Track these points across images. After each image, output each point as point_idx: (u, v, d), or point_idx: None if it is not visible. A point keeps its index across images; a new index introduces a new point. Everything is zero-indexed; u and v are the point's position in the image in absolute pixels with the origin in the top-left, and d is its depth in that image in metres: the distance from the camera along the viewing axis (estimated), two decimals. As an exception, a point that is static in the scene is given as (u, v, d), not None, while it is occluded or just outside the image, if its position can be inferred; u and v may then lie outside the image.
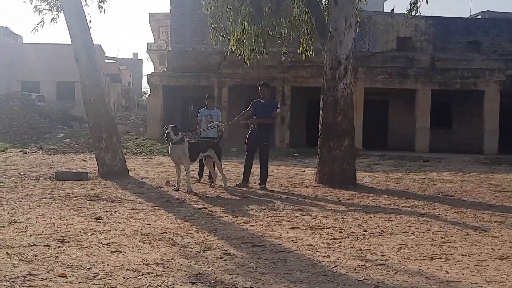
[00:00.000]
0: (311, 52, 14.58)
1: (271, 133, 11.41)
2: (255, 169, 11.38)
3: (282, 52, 15.58)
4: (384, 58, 27.47)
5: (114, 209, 7.88)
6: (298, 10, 13.76)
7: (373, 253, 5.37)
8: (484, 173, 15.52)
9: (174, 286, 4.14)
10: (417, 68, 26.44)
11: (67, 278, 4.29)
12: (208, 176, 11.53)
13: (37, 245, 5.36)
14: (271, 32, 14.17)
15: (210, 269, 4.63)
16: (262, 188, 10.82)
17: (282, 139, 25.59)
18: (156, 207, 8.12)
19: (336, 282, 4.35)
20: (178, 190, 10.11)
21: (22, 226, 6.38)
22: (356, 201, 9.32)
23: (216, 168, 11.11)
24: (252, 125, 11.10)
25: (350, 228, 6.71)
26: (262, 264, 4.84)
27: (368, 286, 4.27)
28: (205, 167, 11.55)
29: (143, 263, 4.76)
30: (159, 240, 5.71)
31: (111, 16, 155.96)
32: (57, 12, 13.42)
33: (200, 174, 11.79)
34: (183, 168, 10.34)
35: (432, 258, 5.23)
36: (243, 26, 13.34)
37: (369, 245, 5.73)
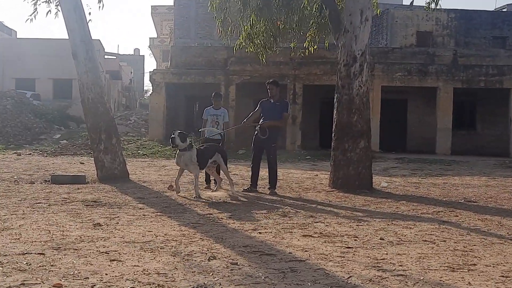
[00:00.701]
0: (315, 48, 14.56)
1: (279, 134, 11.40)
2: (264, 172, 11.38)
3: (292, 47, 15.59)
4: (402, 54, 27.44)
5: (113, 215, 7.89)
6: (306, 1, 13.74)
7: (391, 263, 5.35)
8: (511, 178, 15.44)
9: (177, 298, 4.15)
10: (438, 64, 26.39)
11: (63, 288, 4.30)
12: (214, 180, 11.54)
13: (31, 253, 5.38)
14: (281, 26, 14.18)
15: (216, 279, 4.63)
16: (272, 193, 10.82)
17: (293, 140, 25.60)
18: (158, 213, 8.14)
19: (351, 294, 4.34)
20: (178, 193, 10.14)
21: (15, 232, 6.40)
22: (372, 207, 9.30)
23: (221, 172, 11.14)
24: (258, 127, 11.08)
25: (366, 236, 6.70)
26: (271, 274, 4.84)
27: (384, 299, 4.25)
28: None
29: (144, 273, 4.76)
30: (161, 248, 5.72)
31: (111, 9, 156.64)
32: (56, 6, 13.43)
33: (207, 180, 11.78)
34: (186, 172, 10.36)
35: (453, 268, 5.21)
36: (252, 19, 13.36)
37: (386, 254, 5.72)
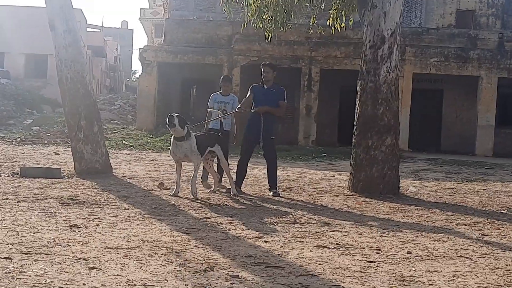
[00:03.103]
0: (341, 26, 14.52)
1: (275, 124, 11.40)
2: (253, 171, 11.40)
3: (310, 24, 15.54)
4: (439, 36, 27.35)
5: (93, 215, 7.92)
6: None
7: (419, 281, 5.35)
8: None
9: (167, 314, 4.16)
10: (481, 50, 26.31)
11: (32, 299, 4.32)
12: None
13: (-4, 257, 5.41)
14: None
15: (212, 294, 4.64)
16: (275, 195, 10.88)
17: (307, 135, 25.60)
18: (146, 215, 8.16)
19: (371, 316, 4.35)
20: (177, 196, 10.13)
21: (-22, 232, 6.44)
22: (398, 216, 9.30)
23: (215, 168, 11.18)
24: (252, 111, 11.10)
25: (391, 248, 6.70)
26: (278, 290, 4.85)
27: (411, 323, 4.26)
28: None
29: (128, 284, 4.77)
30: (149, 256, 5.73)
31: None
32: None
33: (205, 177, 11.76)
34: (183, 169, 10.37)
35: (494, 290, 5.21)
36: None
37: (414, 270, 5.72)
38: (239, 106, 11.36)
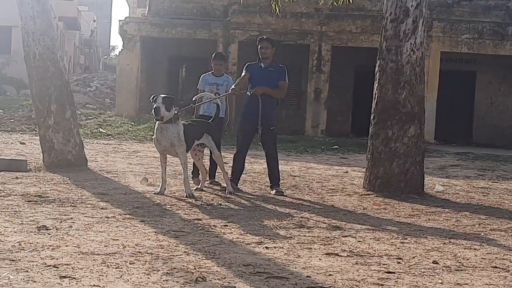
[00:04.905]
0: None
1: (275, 110, 11.38)
2: (252, 165, 11.41)
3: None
4: (472, 9, 27.28)
5: (65, 215, 7.92)
6: None
7: (447, 295, 5.37)
8: None
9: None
10: (522, 25, 26.28)
11: (-6, 312, 4.34)
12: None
13: (-49, 263, 5.42)
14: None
15: (205, 308, 4.66)
16: (278, 193, 10.89)
17: (316, 123, 25.58)
18: (127, 216, 8.16)
19: (391, 336, 4.36)
20: (163, 194, 10.12)
21: None
22: (423, 219, 9.31)
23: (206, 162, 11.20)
24: (249, 93, 11.09)
25: (414, 257, 6.71)
26: (281, 304, 4.87)
27: None
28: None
29: (107, 296, 4.79)
30: (130, 264, 5.74)
31: None
32: None
33: (195, 173, 11.71)
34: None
35: (534, 306, 5.23)
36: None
37: (441, 283, 5.73)
38: (232, 87, 11.32)
